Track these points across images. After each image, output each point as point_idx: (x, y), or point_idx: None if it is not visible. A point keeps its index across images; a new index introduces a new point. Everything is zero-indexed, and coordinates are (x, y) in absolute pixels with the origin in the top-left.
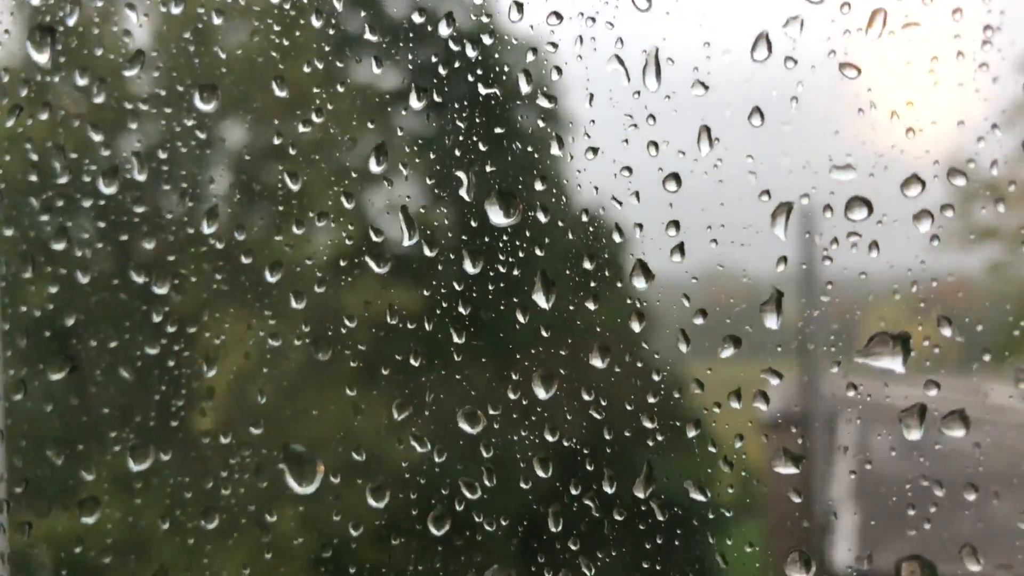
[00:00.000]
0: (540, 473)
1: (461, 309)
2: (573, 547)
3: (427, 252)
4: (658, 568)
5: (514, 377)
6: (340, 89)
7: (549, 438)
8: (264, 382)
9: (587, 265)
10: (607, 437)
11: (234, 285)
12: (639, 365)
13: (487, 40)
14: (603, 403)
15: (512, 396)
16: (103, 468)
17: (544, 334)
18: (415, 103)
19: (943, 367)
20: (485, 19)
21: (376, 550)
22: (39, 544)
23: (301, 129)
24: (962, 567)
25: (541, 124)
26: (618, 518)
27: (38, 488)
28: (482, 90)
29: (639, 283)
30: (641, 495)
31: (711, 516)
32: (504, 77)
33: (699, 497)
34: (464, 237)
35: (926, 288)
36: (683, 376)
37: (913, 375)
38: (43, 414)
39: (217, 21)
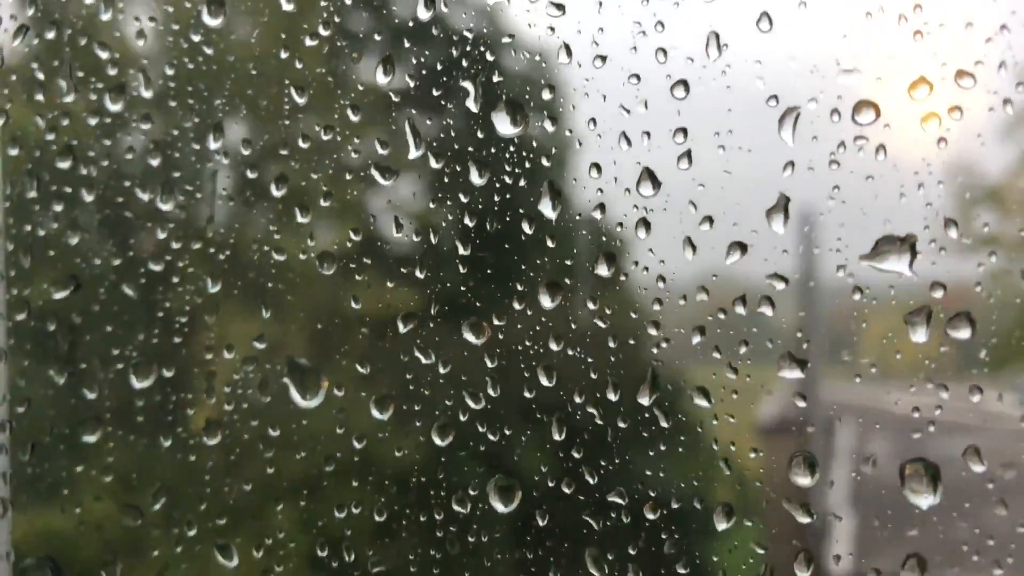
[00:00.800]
0: (544, 382)
1: (467, 221)
2: (576, 455)
3: (433, 164)
4: (661, 475)
5: (519, 288)
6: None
7: (554, 347)
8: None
9: (594, 174)
10: (611, 346)
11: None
12: (645, 273)
13: None
14: (608, 312)
15: (517, 306)
16: (105, 386)
17: (550, 244)
18: (422, 12)
19: (945, 373)
20: None
21: (379, 462)
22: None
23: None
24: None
25: (549, 32)
26: (622, 425)
27: (40, 408)
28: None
29: (646, 191)
30: (645, 402)
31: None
32: None
33: (703, 403)
34: (471, 148)
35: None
36: (689, 283)
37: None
38: (46, 333)
39: None
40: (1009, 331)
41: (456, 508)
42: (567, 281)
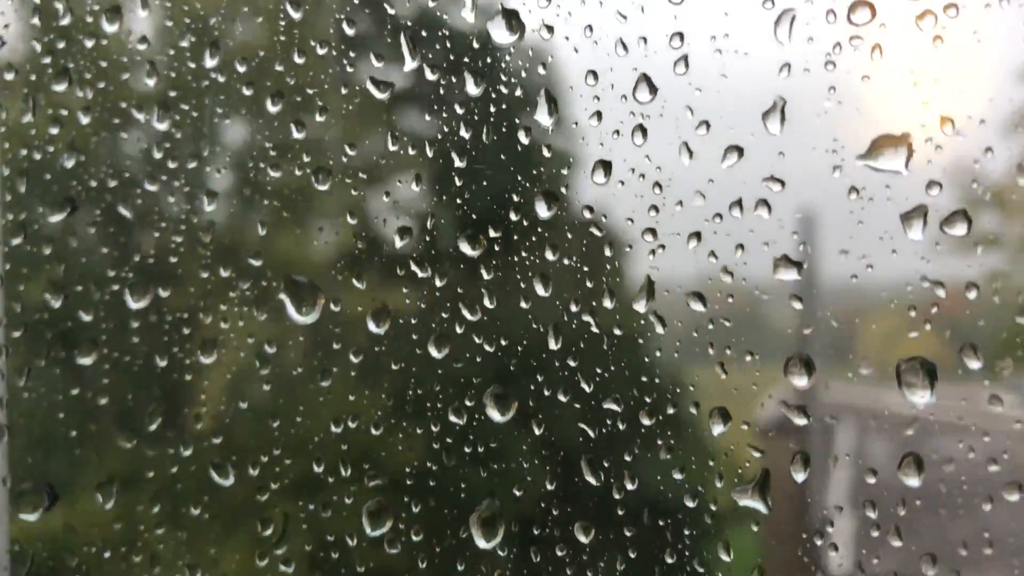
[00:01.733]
0: (540, 291)
1: (463, 132)
2: (572, 364)
3: (429, 76)
4: (657, 381)
5: (516, 199)
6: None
7: (550, 256)
8: (265, 214)
9: (590, 81)
10: (607, 254)
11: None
12: (642, 178)
13: None
14: (604, 218)
15: (514, 217)
16: (100, 307)
17: (546, 154)
18: None
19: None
20: None
21: (376, 370)
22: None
23: None
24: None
25: None
26: (618, 333)
27: (37, 331)
28: None
29: (643, 96)
30: (641, 309)
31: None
32: None
33: (700, 307)
34: (466, 59)
35: (923, 296)
36: (685, 187)
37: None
38: (42, 257)
39: None
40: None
41: (452, 419)
42: (563, 191)
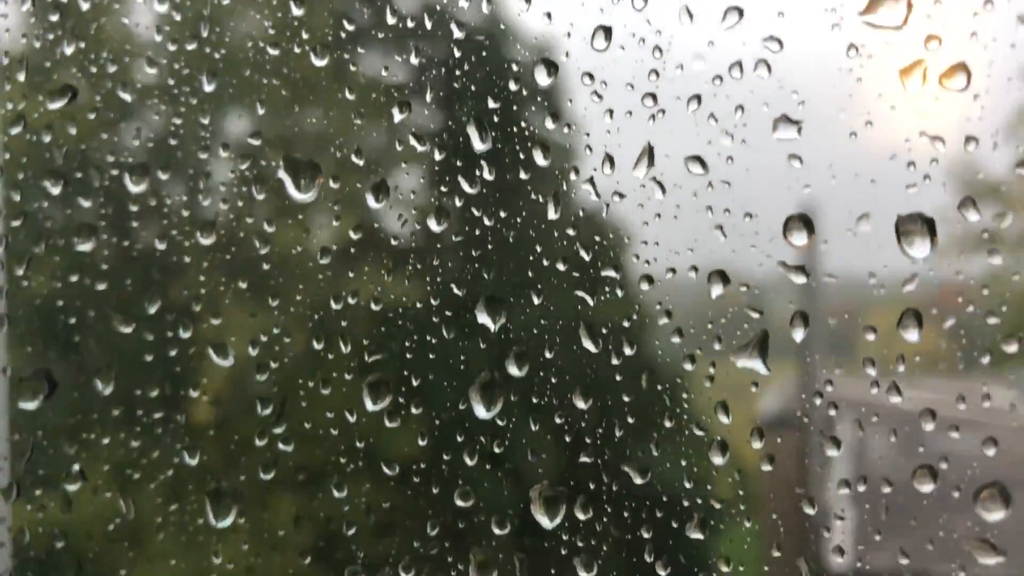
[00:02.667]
0: (540, 161)
1: (460, 2)
2: (570, 233)
3: None
4: (657, 244)
5: (515, 68)
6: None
7: (549, 125)
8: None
9: None
10: (607, 120)
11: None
12: (642, 42)
13: None
14: (604, 85)
15: (513, 87)
16: (100, 194)
17: (546, 22)
18: None
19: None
20: None
21: (378, 245)
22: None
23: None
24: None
25: None
26: (616, 200)
27: (35, 222)
28: None
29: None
30: (641, 175)
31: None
32: None
33: (699, 170)
34: None
35: (926, 291)
36: (685, 50)
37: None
38: (41, 145)
39: None
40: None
41: (455, 291)
42: (564, 59)
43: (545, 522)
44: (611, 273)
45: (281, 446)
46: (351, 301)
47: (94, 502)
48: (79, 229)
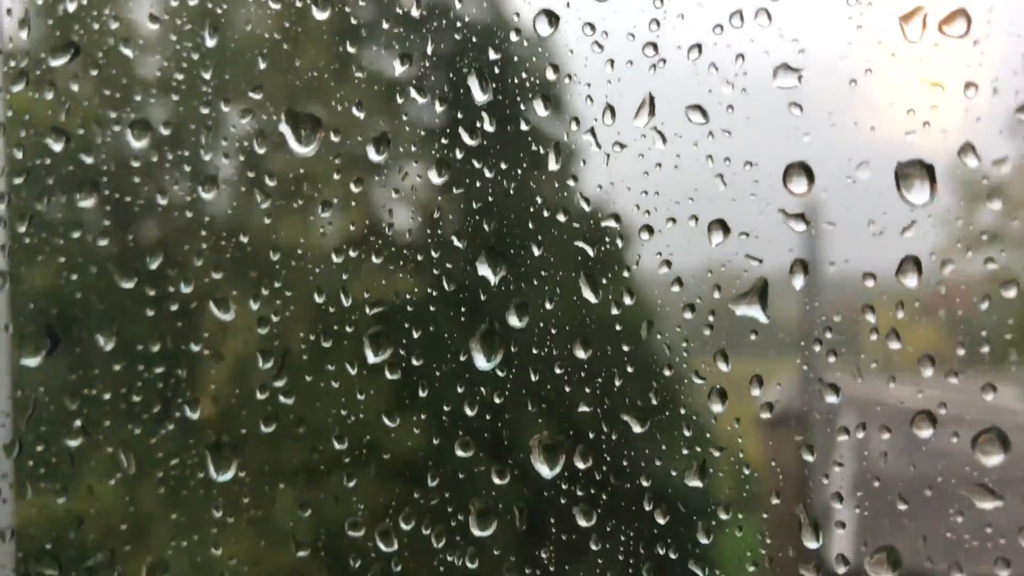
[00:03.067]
0: (540, 111)
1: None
2: (571, 183)
3: None
4: (657, 194)
5: (516, 17)
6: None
7: (550, 76)
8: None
9: None
10: (608, 69)
11: None
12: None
13: None
14: (605, 35)
15: (514, 38)
16: (103, 150)
17: None
18: None
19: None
20: None
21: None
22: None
23: None
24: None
25: None
26: (617, 150)
27: (38, 176)
28: None
29: None
30: (641, 124)
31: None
32: None
33: (700, 119)
34: None
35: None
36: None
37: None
38: (44, 102)
39: None
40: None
41: (456, 243)
42: (565, 9)
43: (545, 471)
44: (611, 223)
45: (282, 399)
46: (352, 255)
47: (95, 458)
48: (81, 185)
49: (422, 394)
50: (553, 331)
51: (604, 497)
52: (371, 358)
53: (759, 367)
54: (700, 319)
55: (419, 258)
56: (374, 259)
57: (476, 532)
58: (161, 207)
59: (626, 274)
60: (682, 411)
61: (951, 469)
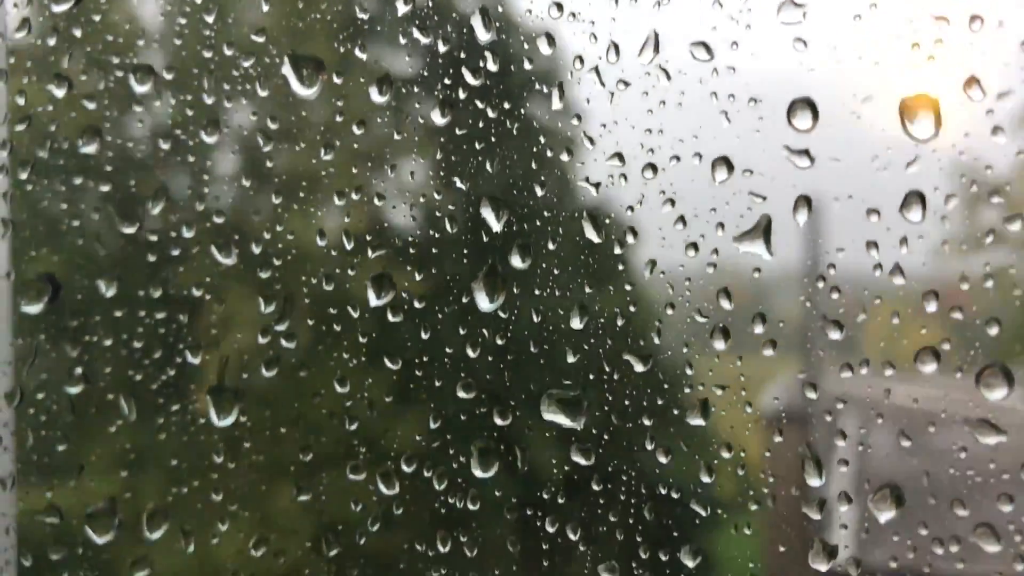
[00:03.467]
0: (544, 51)
1: None
2: (575, 123)
3: None
4: (661, 132)
5: None
6: None
7: (555, 13)
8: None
9: None
10: (613, 7)
11: None
12: None
13: None
14: None
15: None
16: (105, 96)
17: None
18: None
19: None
20: None
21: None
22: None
23: None
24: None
25: None
26: (621, 88)
27: (40, 123)
28: None
29: None
30: (645, 63)
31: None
32: None
33: (705, 56)
34: None
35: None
36: None
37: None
38: (46, 48)
39: None
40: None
41: (459, 184)
42: None
43: (564, 421)
44: (615, 162)
45: (284, 343)
46: (355, 197)
47: (95, 405)
48: (83, 131)
49: (424, 336)
50: (556, 272)
51: (606, 437)
52: (373, 301)
53: (762, 305)
54: (703, 258)
55: (421, 199)
56: (376, 201)
57: (478, 473)
58: (164, 152)
59: (629, 214)
60: (684, 349)
61: (955, 404)
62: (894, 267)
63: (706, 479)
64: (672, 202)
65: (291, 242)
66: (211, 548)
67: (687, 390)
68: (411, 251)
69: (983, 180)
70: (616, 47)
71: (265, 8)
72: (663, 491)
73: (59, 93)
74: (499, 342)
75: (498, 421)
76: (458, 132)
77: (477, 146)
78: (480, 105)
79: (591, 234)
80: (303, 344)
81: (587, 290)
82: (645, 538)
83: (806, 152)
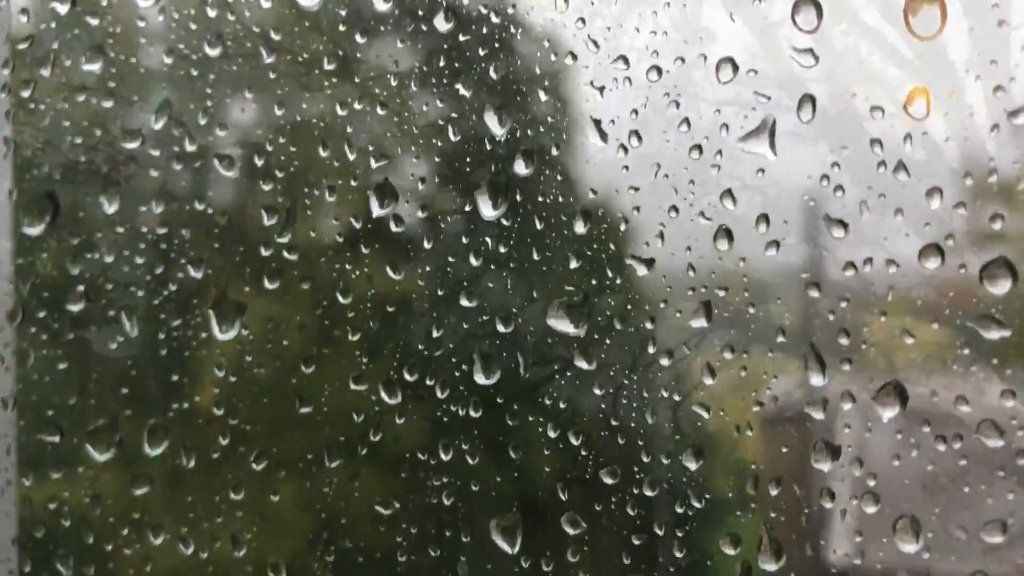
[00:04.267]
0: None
1: None
2: (580, 27)
3: None
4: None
5: None
6: None
7: None
8: None
9: None
10: None
11: None
12: None
13: None
14: None
15: None
16: (109, 12)
17: None
18: None
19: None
20: None
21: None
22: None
23: None
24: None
25: None
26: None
27: (43, 40)
28: None
29: None
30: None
31: None
32: None
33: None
34: None
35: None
36: None
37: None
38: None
39: None
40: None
41: (461, 90)
42: None
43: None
44: (620, 64)
45: (286, 255)
46: (357, 107)
47: (98, 322)
48: (87, 49)
49: (427, 246)
50: (559, 178)
51: (608, 342)
52: (376, 211)
53: (766, 206)
54: (707, 159)
55: (424, 108)
56: (379, 111)
57: (480, 380)
58: (166, 66)
59: (633, 117)
60: (688, 250)
61: (959, 296)
62: (897, 164)
63: (708, 380)
64: (677, 104)
65: (294, 154)
66: (211, 463)
67: (690, 292)
68: (413, 161)
69: (989, 73)
70: None
71: None
72: (664, 395)
73: (63, 9)
74: (502, 250)
75: (500, 328)
76: (461, 39)
77: (480, 52)
78: (484, 11)
79: (595, 139)
80: (304, 252)
81: (591, 195)
82: (646, 443)
83: (811, 51)
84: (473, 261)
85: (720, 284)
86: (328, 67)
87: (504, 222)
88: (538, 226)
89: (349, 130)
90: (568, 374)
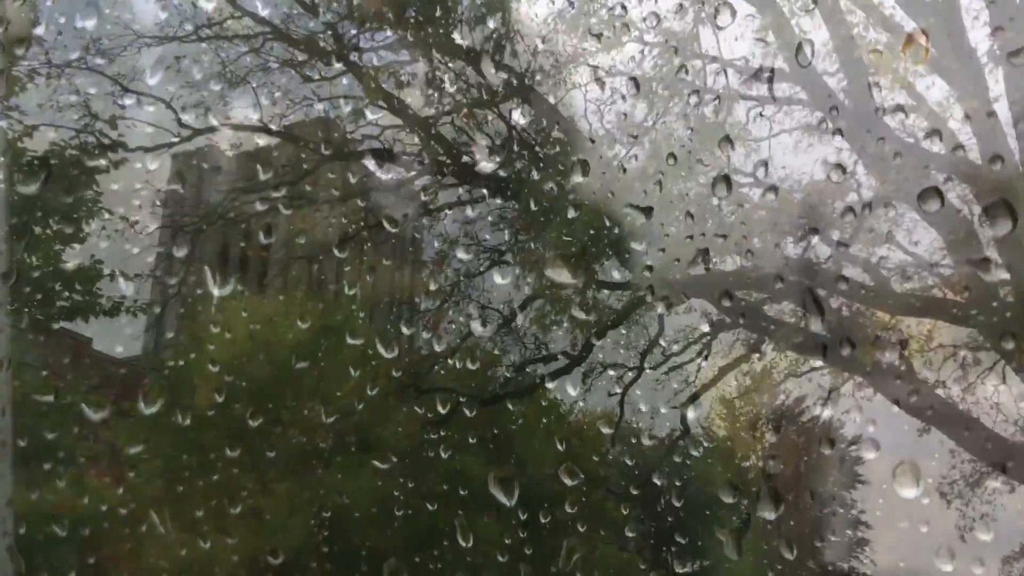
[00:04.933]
0: None
1: None
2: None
3: None
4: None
5: None
6: None
7: None
8: None
9: None
10: None
11: None
12: None
13: None
14: None
15: None
16: None
17: None
18: None
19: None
20: None
21: None
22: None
23: None
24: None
25: None
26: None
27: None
28: None
29: None
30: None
31: None
32: None
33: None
34: None
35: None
36: None
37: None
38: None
39: None
40: None
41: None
42: None
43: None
44: (618, 11)
45: (281, 209)
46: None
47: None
48: (82, 6)
49: (423, 198)
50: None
51: (606, 291)
52: (378, 174)
53: (765, 152)
54: (705, 105)
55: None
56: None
57: (477, 329)
58: (160, 23)
59: (632, 64)
60: (686, 196)
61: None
62: (895, 107)
63: (705, 327)
64: (676, 50)
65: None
66: (207, 419)
67: (689, 240)
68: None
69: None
70: None
71: None
72: (663, 344)
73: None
74: (499, 200)
75: (498, 280)
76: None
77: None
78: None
79: (596, 90)
80: (300, 212)
81: (590, 143)
82: (645, 391)
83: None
84: (469, 212)
85: (717, 231)
86: None
87: (502, 173)
88: (535, 176)
89: (353, 32)
90: (565, 325)
